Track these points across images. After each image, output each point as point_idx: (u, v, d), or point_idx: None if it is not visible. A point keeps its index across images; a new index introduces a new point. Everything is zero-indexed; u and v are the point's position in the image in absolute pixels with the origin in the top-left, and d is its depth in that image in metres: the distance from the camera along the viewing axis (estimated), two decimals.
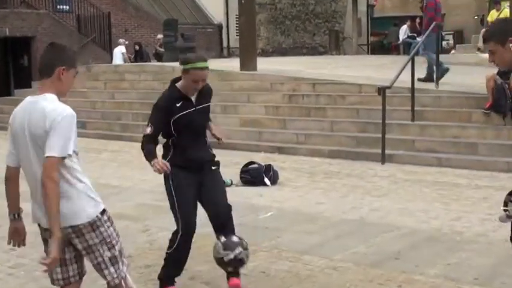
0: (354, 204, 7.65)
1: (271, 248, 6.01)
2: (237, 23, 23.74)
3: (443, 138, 10.61)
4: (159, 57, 21.52)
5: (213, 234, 6.46)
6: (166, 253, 4.87)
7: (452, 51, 24.26)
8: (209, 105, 4.89)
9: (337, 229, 6.63)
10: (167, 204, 8.09)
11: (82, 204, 3.45)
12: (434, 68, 12.48)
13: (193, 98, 4.73)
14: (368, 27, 32.09)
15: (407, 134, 11.01)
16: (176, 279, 5.04)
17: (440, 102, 11.46)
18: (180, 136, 4.72)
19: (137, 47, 22.41)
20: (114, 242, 3.60)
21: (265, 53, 26.81)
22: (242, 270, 5.38)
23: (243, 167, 9.27)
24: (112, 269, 3.61)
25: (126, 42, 22.39)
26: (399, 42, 24.23)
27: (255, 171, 9.08)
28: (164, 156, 4.82)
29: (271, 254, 5.82)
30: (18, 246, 3.76)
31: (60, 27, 23.08)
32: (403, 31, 23.82)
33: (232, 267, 4.69)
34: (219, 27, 28.47)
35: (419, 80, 12.24)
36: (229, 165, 10.39)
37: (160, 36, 22.09)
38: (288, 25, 29.16)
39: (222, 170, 10.43)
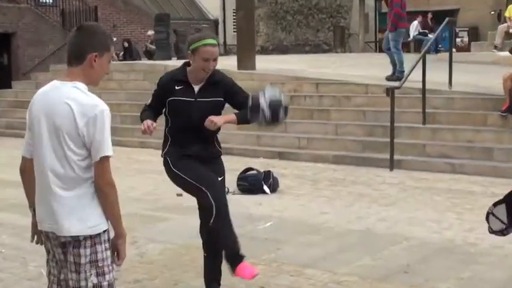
0: (360, 213, 7.67)
1: (271, 261, 6.02)
2: (234, 18, 23.81)
3: (457, 143, 10.64)
4: (150, 55, 21.55)
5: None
6: (209, 229, 4.74)
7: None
8: (219, 101, 4.73)
9: (341, 240, 6.65)
10: (156, 214, 8.16)
11: (91, 212, 3.26)
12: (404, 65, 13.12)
13: (196, 88, 4.67)
14: (376, 23, 32.17)
15: (418, 138, 11.05)
16: None
17: (454, 104, 11.50)
18: (175, 126, 4.73)
19: (126, 44, 22.44)
20: (106, 269, 3.29)
21: (264, 51, 26.89)
22: (239, 285, 5.40)
23: (241, 173, 9.29)
24: None
25: (114, 39, 22.39)
26: (409, 39, 24.30)
27: (253, 179, 9.10)
28: (162, 150, 4.91)
29: (271, 267, 5.83)
30: (41, 244, 3.52)
31: (43, 22, 23.15)
32: (414, 27, 23.91)
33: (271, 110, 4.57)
34: (215, 22, 28.58)
35: (387, 79, 13.09)
36: (225, 171, 10.41)
37: (151, 32, 22.13)
38: (290, 21, 29.25)
39: None
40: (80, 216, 3.23)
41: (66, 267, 3.30)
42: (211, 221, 4.63)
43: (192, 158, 4.73)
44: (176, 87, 4.65)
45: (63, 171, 3.23)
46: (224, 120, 4.70)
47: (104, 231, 3.30)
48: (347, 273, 5.61)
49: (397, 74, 13.05)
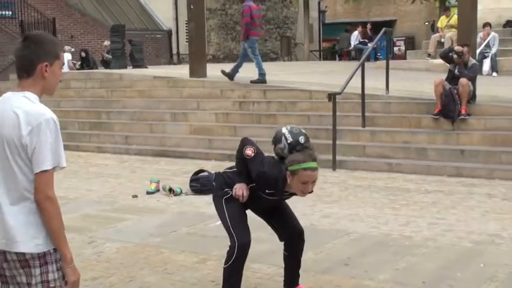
0: (305, 211, 7.72)
1: (221, 257, 6.00)
2: (186, 29, 23.76)
3: (394, 144, 10.83)
4: (106, 64, 21.37)
5: (160, 244, 6.51)
6: (224, 268, 4.75)
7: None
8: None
9: None
10: (113, 215, 8.09)
11: (41, 229, 2.94)
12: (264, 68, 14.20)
13: (286, 191, 4.57)
14: (320, 33, 32.49)
15: (358, 140, 11.21)
16: None
17: (391, 108, 11.69)
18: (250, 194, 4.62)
19: (83, 54, 22.20)
20: None
21: (216, 59, 26.91)
22: (191, 280, 5.43)
23: (193, 175, 9.29)
24: None
25: (72, 50, 22.18)
26: (350, 48, 24.63)
27: (205, 180, 9.09)
28: (224, 186, 4.75)
29: (221, 263, 5.80)
30: None
31: (2, 33, 22.74)
32: (355, 37, 24.24)
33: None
34: (169, 33, 28.42)
35: (252, 82, 14.00)
36: (178, 173, 10.42)
37: (107, 42, 21.94)
38: (239, 31, 29.25)
39: (171, 178, 10.40)
40: (28, 233, 2.93)
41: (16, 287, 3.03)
42: (230, 260, 4.65)
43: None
44: (267, 191, 4.53)
45: (11, 185, 2.95)
46: None
47: (55, 250, 2.98)
48: None
49: (260, 77, 14.01)
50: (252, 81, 14.07)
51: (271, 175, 4.46)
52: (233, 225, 4.64)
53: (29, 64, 2.99)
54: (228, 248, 4.65)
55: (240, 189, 4.57)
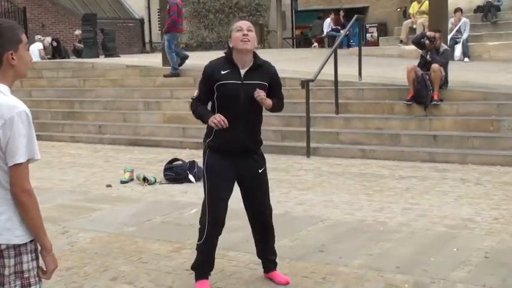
0: (279, 198, 7.73)
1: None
2: (159, 17, 23.60)
3: (367, 130, 10.87)
4: (78, 53, 21.16)
5: (134, 234, 6.46)
6: (197, 244, 4.87)
7: (314, 45, 25.15)
8: (264, 85, 4.60)
9: None
10: (87, 204, 8.03)
11: (19, 220, 2.92)
12: (177, 65, 14.47)
13: (242, 71, 4.52)
14: (292, 20, 32.43)
15: (332, 126, 11.22)
16: (97, 281, 5.01)
17: (364, 95, 11.72)
18: (223, 111, 4.49)
19: (55, 43, 21.96)
20: (32, 280, 2.96)
21: (188, 48, 26.72)
22: (165, 269, 5.40)
23: (167, 164, 9.23)
24: None
25: (43, 39, 21.91)
26: (323, 35, 24.62)
27: (179, 168, 9.06)
28: (205, 138, 4.70)
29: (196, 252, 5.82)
30: None
31: None
32: (327, 24, 24.23)
33: None
34: (141, 21, 28.21)
35: (165, 76, 14.40)
36: (153, 162, 10.36)
37: (78, 32, 21.72)
38: (212, 19, 29.17)
39: (145, 167, 10.32)
40: (6, 224, 2.90)
41: None
42: (201, 239, 4.77)
43: (229, 164, 4.65)
44: (222, 72, 4.48)
45: None
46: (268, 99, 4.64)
47: (31, 241, 2.97)
48: None
49: (172, 71, 14.37)
50: (165, 75, 14.44)
51: (217, 60, 4.62)
52: (209, 201, 4.66)
53: None
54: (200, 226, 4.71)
55: (215, 119, 4.43)
